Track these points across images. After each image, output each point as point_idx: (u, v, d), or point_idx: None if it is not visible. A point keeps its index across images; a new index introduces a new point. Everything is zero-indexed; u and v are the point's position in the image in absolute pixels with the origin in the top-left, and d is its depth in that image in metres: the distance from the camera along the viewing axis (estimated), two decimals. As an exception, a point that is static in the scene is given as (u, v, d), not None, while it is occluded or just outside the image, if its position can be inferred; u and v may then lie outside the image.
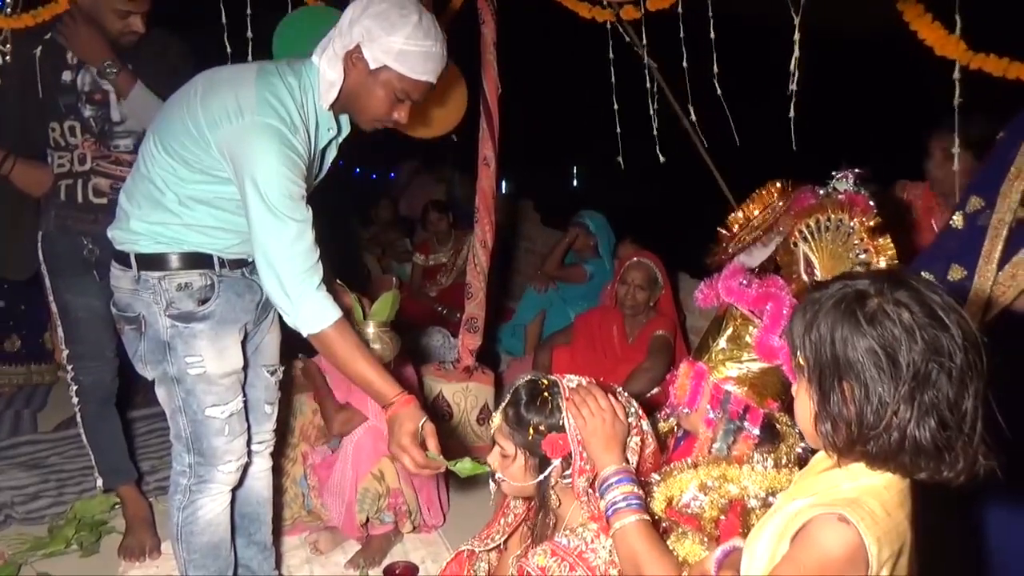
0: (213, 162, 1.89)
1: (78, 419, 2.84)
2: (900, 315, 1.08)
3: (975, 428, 1.08)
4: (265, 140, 1.82)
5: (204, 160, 1.90)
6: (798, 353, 1.18)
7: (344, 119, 2.09)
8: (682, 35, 2.68)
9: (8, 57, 2.47)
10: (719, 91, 2.64)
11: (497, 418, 1.78)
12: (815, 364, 1.15)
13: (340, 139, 2.13)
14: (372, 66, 1.89)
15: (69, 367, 2.77)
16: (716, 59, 2.54)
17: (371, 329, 2.27)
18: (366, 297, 2.60)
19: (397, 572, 2.62)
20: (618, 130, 2.98)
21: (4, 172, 2.67)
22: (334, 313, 1.89)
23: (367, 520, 2.79)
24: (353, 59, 1.90)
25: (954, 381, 1.06)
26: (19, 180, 2.69)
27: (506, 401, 1.78)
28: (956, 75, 2.00)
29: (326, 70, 1.93)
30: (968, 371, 1.07)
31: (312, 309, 1.87)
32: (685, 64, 2.77)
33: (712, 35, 2.55)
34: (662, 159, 2.86)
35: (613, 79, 2.97)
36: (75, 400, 2.81)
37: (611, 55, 2.98)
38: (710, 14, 2.50)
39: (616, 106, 2.97)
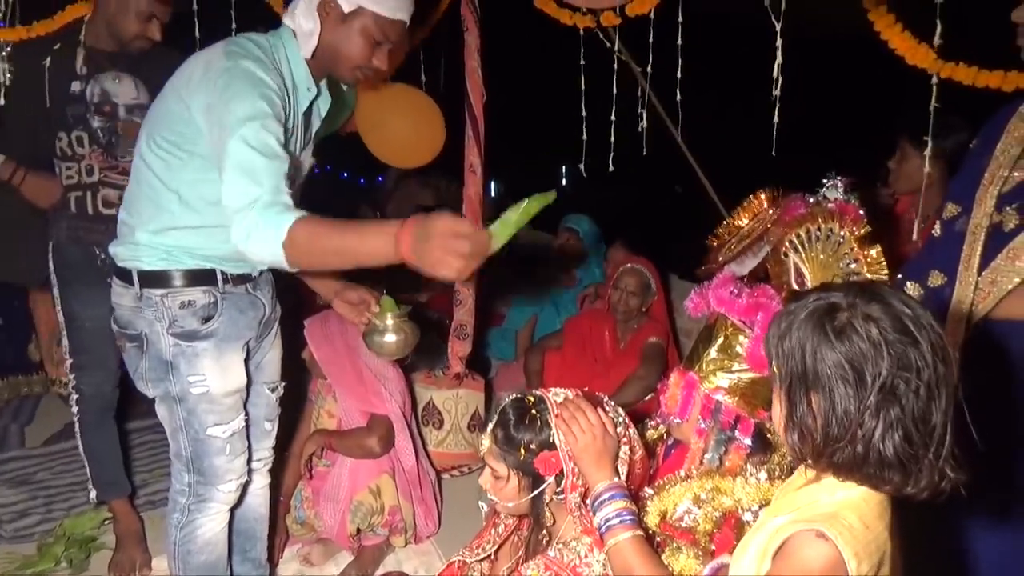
0: (196, 134, 1.85)
1: (76, 429, 2.82)
2: (868, 330, 1.09)
3: (942, 443, 1.10)
4: (240, 79, 1.78)
5: (186, 133, 1.86)
6: (772, 362, 1.21)
7: (323, 86, 2.07)
8: (651, 40, 2.71)
9: (9, 73, 2.47)
10: (679, 97, 2.67)
11: (486, 440, 1.77)
12: (785, 374, 1.17)
13: (324, 107, 2.11)
14: (346, 10, 1.88)
15: (71, 376, 2.75)
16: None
17: (390, 320, 2.23)
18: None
19: (390, 583, 2.63)
20: (584, 135, 2.99)
21: (15, 183, 2.69)
22: (296, 212, 1.66)
23: (359, 531, 2.78)
24: (327, 7, 1.89)
25: (921, 396, 1.08)
26: (29, 192, 2.70)
27: (494, 422, 1.77)
28: (934, 80, 2.02)
29: (302, 23, 1.91)
30: (936, 387, 1.08)
31: (274, 219, 1.64)
32: (650, 69, 2.80)
33: (680, 41, 2.58)
34: (611, 168, 2.87)
35: (584, 85, 2.98)
36: (75, 409, 2.78)
37: (583, 61, 2.99)
38: (679, 20, 2.53)
39: (588, 111, 2.98)
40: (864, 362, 1.08)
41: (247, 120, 1.72)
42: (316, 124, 2.14)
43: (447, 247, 1.50)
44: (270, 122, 1.76)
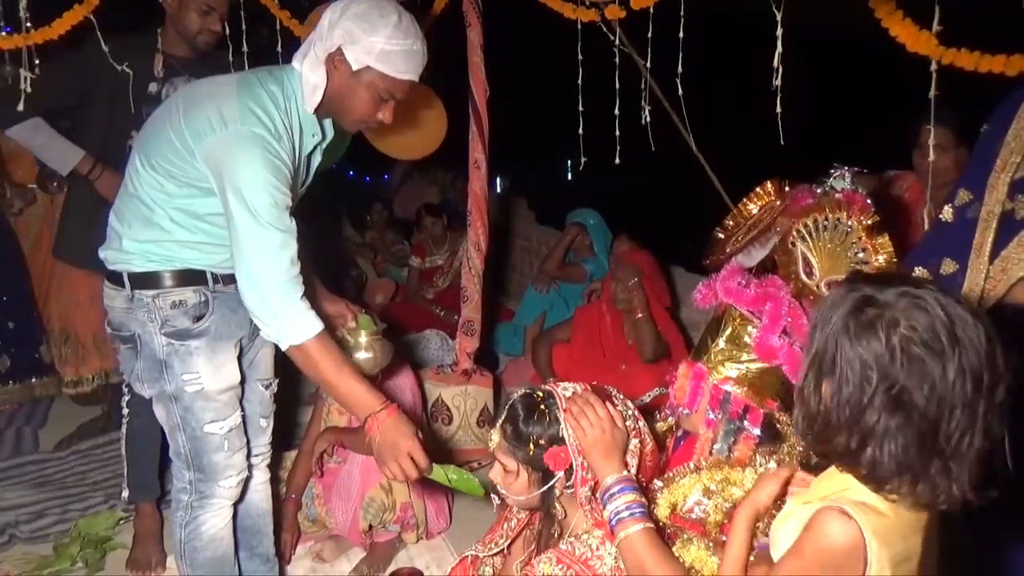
0: (198, 175, 1.87)
1: (123, 430, 2.86)
2: (890, 335, 1.08)
3: (957, 458, 1.08)
4: (249, 149, 1.81)
5: (189, 173, 1.88)
6: (809, 335, 1.22)
7: (328, 124, 2.07)
8: (650, 35, 2.70)
9: (29, 82, 2.57)
10: (680, 91, 2.67)
11: (496, 436, 1.78)
12: (810, 351, 1.18)
13: (325, 144, 2.11)
14: (354, 67, 1.87)
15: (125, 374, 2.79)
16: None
17: (363, 338, 2.27)
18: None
19: (402, 579, 2.63)
20: (581, 129, 2.99)
21: (93, 178, 2.88)
22: (317, 324, 1.85)
23: (371, 527, 2.79)
24: (335, 61, 1.88)
25: (930, 412, 1.06)
26: (102, 187, 2.87)
27: (503, 418, 1.77)
28: (933, 67, 2.00)
29: (308, 74, 1.91)
30: (950, 406, 1.06)
31: (295, 321, 1.83)
32: (649, 63, 2.80)
33: (681, 35, 2.57)
34: (617, 162, 2.87)
35: (588, 79, 2.97)
36: (124, 412, 2.82)
37: (580, 56, 2.98)
38: (681, 13, 2.52)
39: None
40: (874, 364, 1.08)
41: (271, 206, 1.81)
42: (318, 160, 2.15)
43: (399, 459, 1.80)
44: (285, 198, 1.85)
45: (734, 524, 1.38)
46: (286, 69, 1.97)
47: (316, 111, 1.97)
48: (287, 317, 1.83)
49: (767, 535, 1.36)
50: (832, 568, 1.12)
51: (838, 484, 1.20)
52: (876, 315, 1.10)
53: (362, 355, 2.26)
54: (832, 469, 1.27)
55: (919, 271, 2.02)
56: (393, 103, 1.96)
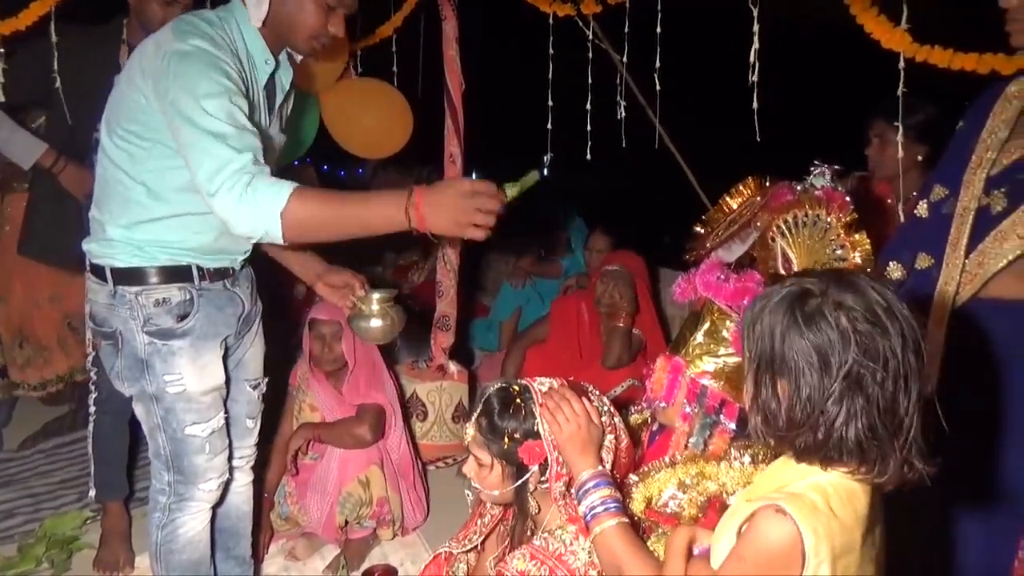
0: (155, 121, 1.78)
1: (89, 428, 2.80)
2: (838, 318, 1.10)
3: (909, 433, 1.11)
4: (190, 61, 1.71)
5: (146, 122, 1.79)
6: (744, 344, 1.22)
7: (285, 64, 2.01)
8: (627, 30, 2.70)
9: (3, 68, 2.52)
10: (658, 87, 2.68)
11: (471, 429, 1.76)
12: (754, 357, 1.19)
13: (286, 80, 2.04)
14: None
15: (92, 372, 2.74)
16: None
17: (376, 305, 2.20)
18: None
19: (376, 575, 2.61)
20: (549, 124, 2.99)
21: (56, 171, 2.89)
22: (286, 183, 1.66)
23: (346, 523, 2.77)
24: None
25: (887, 387, 1.09)
26: (67, 181, 2.89)
27: (478, 411, 1.76)
28: (901, 64, 2.03)
29: None
30: (905, 379, 1.09)
31: (267, 190, 1.64)
32: (625, 58, 2.80)
33: (659, 29, 2.58)
34: (588, 157, 2.87)
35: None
36: (92, 409, 2.76)
37: (553, 50, 2.98)
38: (658, 8, 2.53)
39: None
40: (831, 350, 1.10)
41: (208, 96, 1.68)
42: (280, 98, 2.07)
43: (467, 207, 1.58)
44: (234, 96, 1.73)
45: (672, 545, 1.37)
46: (223, 6, 1.91)
47: (268, 40, 1.90)
48: (264, 189, 1.65)
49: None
50: (771, 568, 1.12)
51: (778, 480, 1.21)
52: (819, 304, 1.12)
53: (376, 322, 2.17)
54: (776, 463, 1.28)
55: (893, 265, 2.04)
56: (342, 13, 1.87)
